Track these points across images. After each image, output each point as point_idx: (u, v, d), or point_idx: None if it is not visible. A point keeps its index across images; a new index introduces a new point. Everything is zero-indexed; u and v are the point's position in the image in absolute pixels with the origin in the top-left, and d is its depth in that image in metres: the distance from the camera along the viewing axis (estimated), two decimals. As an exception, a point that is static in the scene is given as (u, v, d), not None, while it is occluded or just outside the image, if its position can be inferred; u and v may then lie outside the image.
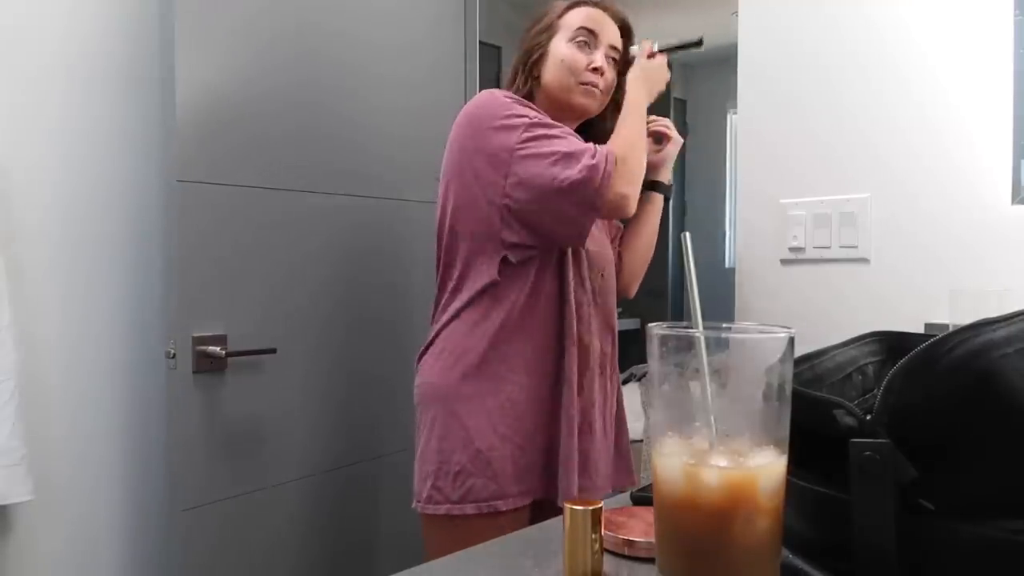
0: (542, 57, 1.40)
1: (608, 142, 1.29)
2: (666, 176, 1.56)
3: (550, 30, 1.41)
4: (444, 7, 2.05)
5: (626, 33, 1.45)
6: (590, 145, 1.26)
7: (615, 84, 1.44)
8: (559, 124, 1.30)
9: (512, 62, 1.46)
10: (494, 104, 1.30)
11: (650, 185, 1.50)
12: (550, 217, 1.27)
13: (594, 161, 1.22)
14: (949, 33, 1.43)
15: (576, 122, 1.43)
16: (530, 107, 1.31)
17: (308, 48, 1.71)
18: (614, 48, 1.41)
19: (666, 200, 1.57)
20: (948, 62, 1.43)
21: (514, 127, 1.26)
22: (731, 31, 1.74)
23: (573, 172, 1.22)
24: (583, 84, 1.37)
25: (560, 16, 1.41)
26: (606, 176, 1.22)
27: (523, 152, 1.25)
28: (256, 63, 1.61)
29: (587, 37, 1.38)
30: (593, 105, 1.40)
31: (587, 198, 1.23)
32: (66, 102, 1.49)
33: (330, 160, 1.76)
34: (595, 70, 1.37)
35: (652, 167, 1.49)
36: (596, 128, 1.46)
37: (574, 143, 1.26)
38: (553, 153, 1.24)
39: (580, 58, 1.37)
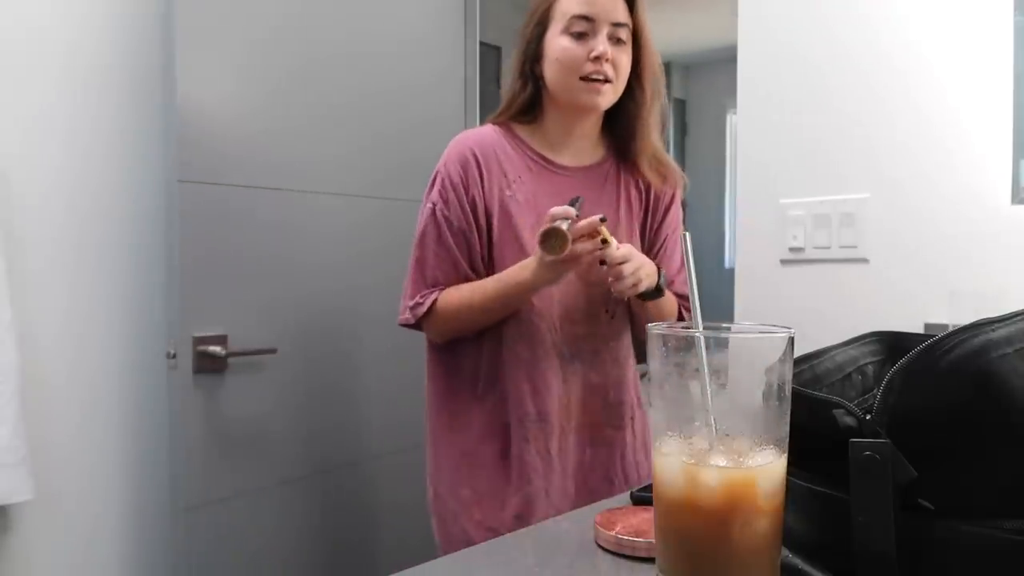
0: (539, 55, 1.27)
1: (446, 293, 1.24)
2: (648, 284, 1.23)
3: (543, 23, 1.26)
4: (444, 7, 2.05)
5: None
6: (422, 283, 1.27)
7: (631, 63, 1.26)
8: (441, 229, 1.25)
9: (511, 61, 1.33)
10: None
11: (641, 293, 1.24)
12: None
13: (410, 304, 1.27)
14: (949, 33, 1.43)
15: (596, 118, 1.31)
16: (447, 187, 1.25)
17: (308, 48, 1.71)
18: (618, 25, 1.23)
19: (661, 292, 1.27)
20: (948, 62, 1.43)
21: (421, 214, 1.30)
22: (731, 31, 1.74)
23: (401, 309, 1.30)
24: (585, 80, 1.22)
25: (552, 4, 1.25)
26: (422, 323, 1.27)
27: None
28: (256, 63, 1.62)
29: (583, 26, 1.22)
30: (603, 100, 1.25)
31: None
32: (67, 103, 1.49)
33: (330, 160, 1.76)
34: (596, 59, 1.21)
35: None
36: (624, 115, 1.31)
37: (419, 271, 1.27)
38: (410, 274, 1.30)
39: (578, 52, 1.22)
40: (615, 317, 1.34)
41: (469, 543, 1.17)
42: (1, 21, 1.40)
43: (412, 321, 1.28)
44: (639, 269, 1.17)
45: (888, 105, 1.50)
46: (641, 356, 1.07)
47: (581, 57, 1.22)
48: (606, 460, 1.32)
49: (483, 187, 1.26)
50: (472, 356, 1.29)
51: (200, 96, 1.52)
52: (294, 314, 1.69)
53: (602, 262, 1.17)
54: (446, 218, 1.25)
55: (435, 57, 2.03)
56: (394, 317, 1.34)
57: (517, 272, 1.20)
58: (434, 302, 1.25)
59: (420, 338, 1.41)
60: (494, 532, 1.20)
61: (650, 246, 1.38)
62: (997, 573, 0.45)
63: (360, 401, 1.84)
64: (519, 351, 1.26)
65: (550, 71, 1.26)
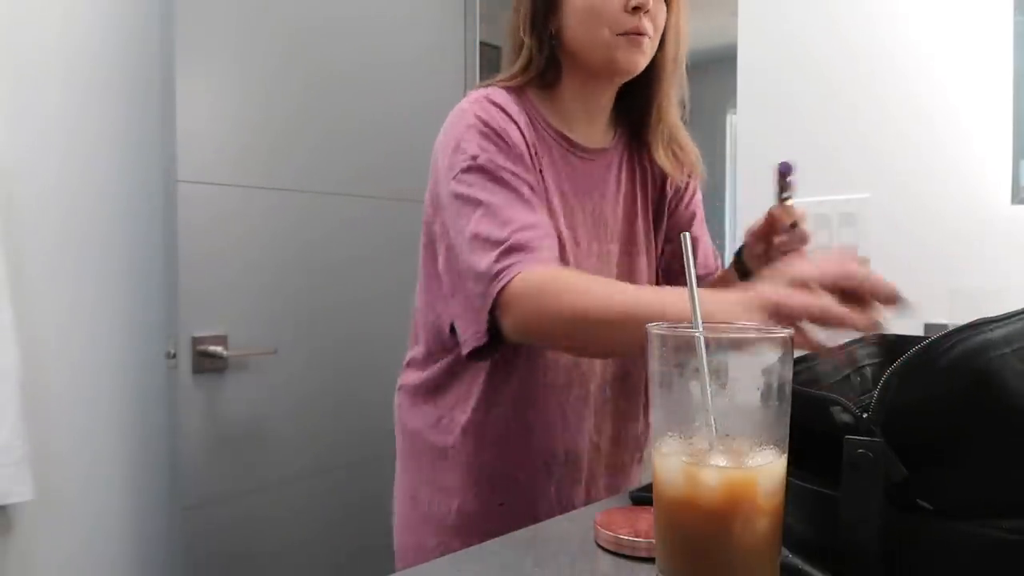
0: (555, 7, 0.98)
1: (557, 268, 0.86)
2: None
3: None
4: (444, 8, 2.05)
5: None
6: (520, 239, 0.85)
7: (664, 20, 1.00)
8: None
9: (510, 23, 1.04)
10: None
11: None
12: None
13: (488, 277, 0.84)
14: (949, 33, 1.43)
15: (612, 95, 1.06)
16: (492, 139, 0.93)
17: (308, 49, 1.71)
18: None
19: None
20: (948, 62, 1.43)
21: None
22: (731, 31, 1.74)
23: (464, 332, 0.91)
24: (623, 35, 0.95)
25: None
26: (502, 298, 0.83)
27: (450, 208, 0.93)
28: (256, 64, 1.62)
29: None
30: (641, 59, 0.98)
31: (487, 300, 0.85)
32: (67, 103, 1.49)
33: (330, 160, 1.76)
34: (636, 9, 0.94)
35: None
36: (642, 83, 1.05)
37: (485, 218, 0.88)
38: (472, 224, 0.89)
39: (611, 0, 0.94)
40: None
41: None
42: (1, 22, 1.40)
43: (489, 333, 0.86)
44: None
45: (888, 105, 1.50)
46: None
47: (615, 6, 0.94)
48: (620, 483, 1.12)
49: (529, 146, 0.97)
50: (489, 379, 1.00)
51: (200, 96, 1.52)
52: (294, 314, 1.69)
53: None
54: (503, 167, 0.91)
55: (435, 57, 2.03)
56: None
57: (710, 304, 0.68)
58: (524, 272, 0.83)
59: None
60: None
61: (668, 233, 1.16)
62: (994, 572, 0.45)
63: (360, 401, 1.84)
64: (553, 379, 1.01)
65: (575, 27, 0.97)
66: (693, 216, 1.16)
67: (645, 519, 0.71)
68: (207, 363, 1.53)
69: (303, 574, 1.73)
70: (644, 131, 1.10)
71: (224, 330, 1.56)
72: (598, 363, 1.04)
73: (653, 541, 0.56)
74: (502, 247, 0.84)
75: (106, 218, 1.54)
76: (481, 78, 2.15)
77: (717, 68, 2.46)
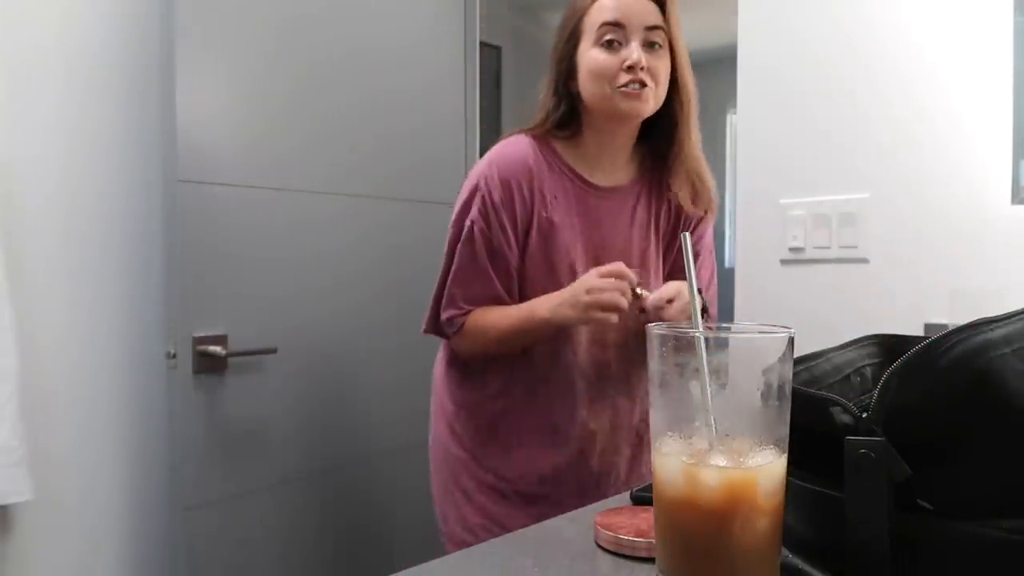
0: (573, 71, 1.24)
1: (475, 314, 1.24)
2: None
3: (573, 37, 1.23)
4: (444, 8, 2.05)
5: (660, 0, 1.21)
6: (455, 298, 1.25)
7: (670, 68, 1.22)
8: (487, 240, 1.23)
9: (544, 82, 1.29)
10: (466, 184, 1.28)
11: None
12: None
13: (444, 317, 1.26)
14: (949, 34, 1.43)
15: (632, 133, 1.28)
16: (487, 205, 1.23)
17: (308, 48, 1.71)
18: (652, 28, 1.19)
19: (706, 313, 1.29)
20: (948, 62, 1.44)
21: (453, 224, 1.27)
22: (731, 31, 1.74)
23: (427, 317, 1.30)
24: (622, 88, 1.18)
25: (581, 18, 1.22)
26: (450, 336, 1.28)
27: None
28: (256, 63, 1.62)
29: (613, 34, 1.18)
30: (644, 106, 1.20)
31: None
32: (67, 103, 1.49)
33: (330, 160, 1.76)
34: (631, 68, 1.17)
35: None
36: (663, 124, 1.27)
37: (455, 286, 1.25)
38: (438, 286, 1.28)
39: (611, 62, 1.18)
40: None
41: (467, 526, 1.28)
42: (1, 22, 1.40)
43: (442, 335, 1.29)
44: (682, 312, 1.16)
45: (888, 105, 1.50)
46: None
47: (614, 67, 1.18)
48: (617, 472, 1.33)
49: (524, 209, 1.24)
50: (494, 372, 1.29)
51: (200, 96, 1.52)
52: (294, 314, 1.69)
53: (641, 310, 1.18)
54: (485, 238, 1.22)
55: (435, 57, 2.03)
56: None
57: (542, 308, 1.20)
58: (465, 322, 1.25)
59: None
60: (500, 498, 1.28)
61: (674, 263, 1.36)
62: (994, 572, 0.45)
63: (360, 400, 1.84)
64: (545, 370, 1.27)
65: (586, 86, 1.22)
66: (700, 242, 1.35)
67: (645, 519, 0.71)
68: (207, 363, 1.53)
69: (303, 574, 1.73)
70: (667, 166, 1.29)
71: (224, 330, 1.56)
72: (579, 356, 1.26)
73: (653, 541, 0.56)
74: (461, 311, 1.25)
75: (105, 218, 1.54)
76: (481, 77, 2.16)
77: (717, 68, 2.46)
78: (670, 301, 1.16)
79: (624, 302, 1.13)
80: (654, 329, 0.50)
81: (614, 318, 1.14)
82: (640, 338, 1.28)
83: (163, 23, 1.52)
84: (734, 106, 1.78)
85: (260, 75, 1.62)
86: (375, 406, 1.87)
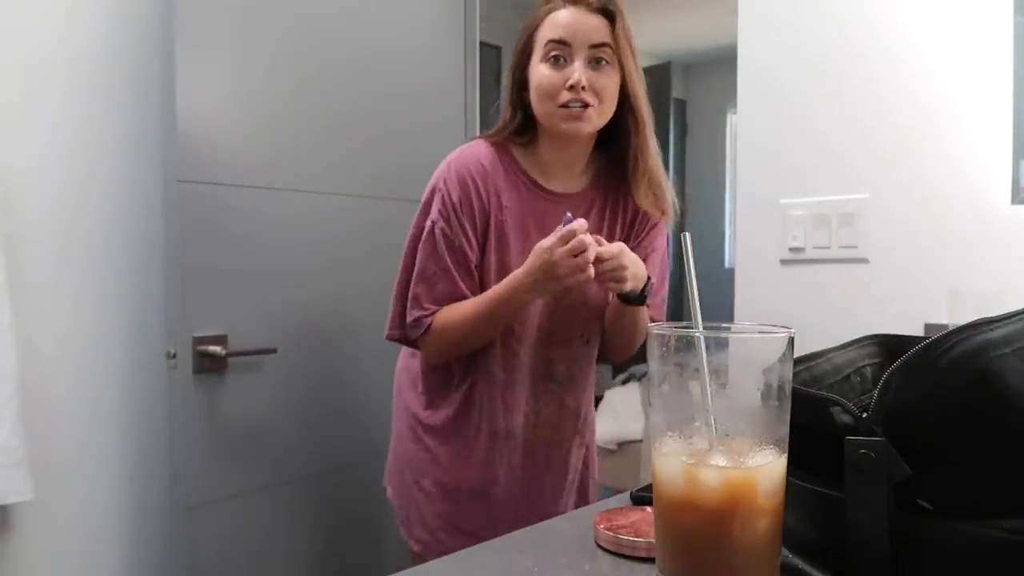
0: (525, 82, 1.26)
1: (442, 312, 1.24)
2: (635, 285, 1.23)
3: (526, 49, 1.25)
4: (444, 8, 2.05)
5: (610, 16, 1.21)
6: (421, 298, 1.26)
7: (618, 87, 1.23)
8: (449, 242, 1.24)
9: (504, 88, 1.32)
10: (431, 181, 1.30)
11: (622, 297, 1.26)
12: None
13: (409, 321, 1.28)
14: (949, 34, 1.43)
15: (586, 142, 1.29)
16: (447, 206, 1.24)
17: (308, 48, 1.71)
18: (597, 46, 1.20)
19: (643, 300, 1.27)
20: (948, 62, 1.43)
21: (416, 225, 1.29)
22: (731, 31, 1.74)
23: (389, 323, 1.33)
24: (564, 107, 1.19)
25: (533, 32, 1.24)
26: (417, 342, 1.30)
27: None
28: (256, 64, 1.62)
29: (558, 51, 1.20)
30: (585, 126, 1.22)
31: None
32: (67, 103, 1.49)
33: (330, 160, 1.76)
34: (571, 88, 1.18)
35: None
36: (618, 137, 1.29)
37: (418, 288, 1.26)
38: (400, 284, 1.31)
39: (555, 79, 1.19)
40: (589, 342, 1.37)
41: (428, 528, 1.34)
42: (3, 23, 1.40)
43: (407, 339, 1.31)
44: (628, 268, 1.18)
45: (888, 105, 1.50)
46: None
47: (558, 85, 1.19)
48: (561, 470, 1.39)
49: (482, 208, 1.26)
50: (448, 372, 1.33)
51: (200, 96, 1.52)
52: (294, 314, 1.69)
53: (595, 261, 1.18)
54: (447, 237, 1.24)
55: (435, 57, 2.03)
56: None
57: (507, 291, 1.20)
58: (432, 322, 1.26)
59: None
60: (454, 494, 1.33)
61: None
62: (994, 572, 0.45)
63: (360, 401, 1.84)
64: (494, 371, 1.30)
65: (534, 101, 1.24)
66: (648, 247, 1.36)
67: (645, 519, 0.71)
68: (207, 363, 1.53)
69: (303, 574, 1.73)
70: (626, 178, 1.30)
71: (224, 330, 1.56)
72: (526, 355, 1.30)
73: (653, 541, 0.56)
74: (427, 311, 1.26)
75: (106, 218, 1.55)
76: (481, 78, 2.16)
77: (717, 68, 2.46)
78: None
79: (592, 271, 1.13)
80: (654, 329, 0.50)
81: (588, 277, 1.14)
82: (590, 325, 1.34)
83: (163, 23, 1.52)
84: (734, 106, 1.78)
85: (260, 75, 1.62)
86: (375, 406, 1.87)
